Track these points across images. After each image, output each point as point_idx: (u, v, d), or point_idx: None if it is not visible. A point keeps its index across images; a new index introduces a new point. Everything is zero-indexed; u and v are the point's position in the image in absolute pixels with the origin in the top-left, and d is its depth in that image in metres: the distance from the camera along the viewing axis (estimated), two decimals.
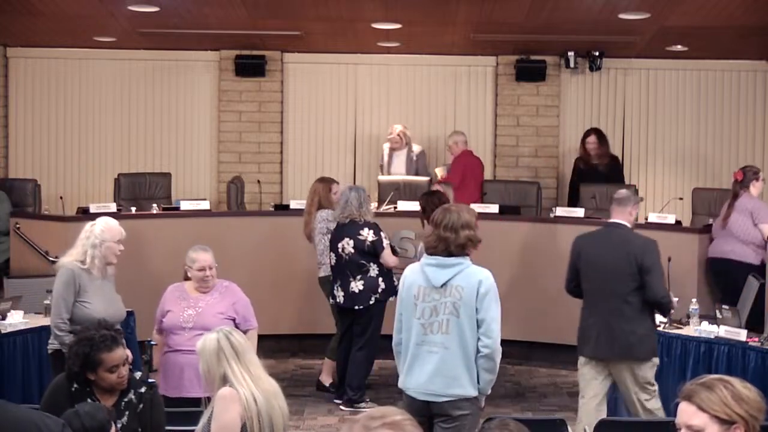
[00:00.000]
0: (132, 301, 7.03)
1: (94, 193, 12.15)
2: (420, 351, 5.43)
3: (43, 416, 3.47)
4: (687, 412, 2.97)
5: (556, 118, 12.34)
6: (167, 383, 6.30)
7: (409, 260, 9.09)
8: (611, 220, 6.97)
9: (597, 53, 11.94)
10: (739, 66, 12.32)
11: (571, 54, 11.90)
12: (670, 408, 7.04)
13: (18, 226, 9.88)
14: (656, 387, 6.84)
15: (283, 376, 9.05)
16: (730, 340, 7.35)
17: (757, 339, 7.32)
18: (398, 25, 10.53)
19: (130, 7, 9.66)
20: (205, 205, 10.29)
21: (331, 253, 8.44)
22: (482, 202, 10.65)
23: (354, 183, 11.67)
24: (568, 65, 12.05)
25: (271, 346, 9.13)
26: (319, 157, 12.48)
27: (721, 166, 12.42)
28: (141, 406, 4.87)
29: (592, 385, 6.91)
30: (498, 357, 5.38)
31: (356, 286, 8.30)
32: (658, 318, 7.32)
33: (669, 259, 8.00)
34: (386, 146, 11.72)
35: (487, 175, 12.15)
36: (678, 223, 9.78)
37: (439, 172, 11.21)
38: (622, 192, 7.06)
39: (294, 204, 10.07)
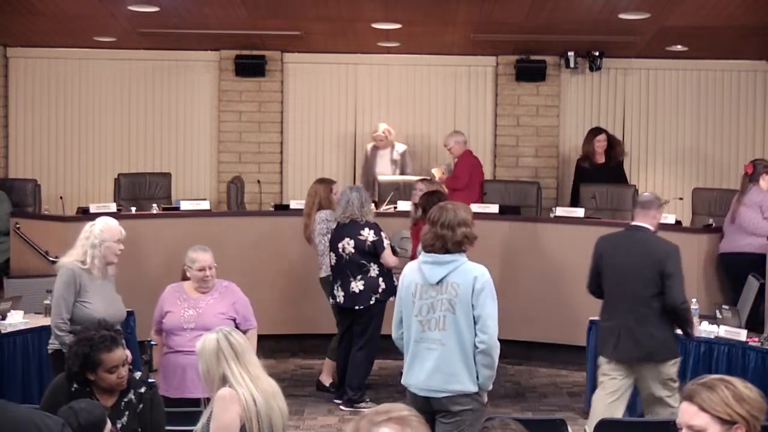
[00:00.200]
0: (132, 301, 7.03)
1: (94, 193, 12.15)
2: (419, 348, 5.48)
3: (43, 416, 3.47)
4: (688, 413, 2.97)
5: (556, 118, 12.33)
6: (168, 384, 6.29)
7: (409, 260, 9.12)
8: (635, 223, 6.96)
9: (597, 53, 11.94)
10: (739, 66, 12.32)
11: (571, 54, 11.90)
12: None
13: (18, 226, 9.88)
14: (678, 384, 6.83)
15: (283, 376, 9.05)
16: (730, 340, 7.36)
17: (757, 339, 7.32)
18: (398, 25, 10.53)
19: (130, 7, 9.65)
20: (205, 205, 10.29)
21: (331, 253, 8.44)
22: (482, 202, 10.64)
23: (354, 183, 11.67)
24: (568, 65, 12.04)
25: (271, 346, 9.12)
26: (319, 157, 12.48)
27: (721, 166, 12.42)
28: (141, 406, 4.87)
29: (611, 383, 6.95)
30: (495, 352, 5.40)
31: (357, 286, 8.30)
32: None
33: None
34: (369, 146, 11.69)
35: (487, 175, 12.15)
36: (678, 223, 9.78)
37: (437, 172, 11.11)
38: (647, 195, 7.08)
39: (294, 204, 10.07)
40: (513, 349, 9.56)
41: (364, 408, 8.27)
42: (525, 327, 9.67)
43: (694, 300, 7.92)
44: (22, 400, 6.88)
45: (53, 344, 6.23)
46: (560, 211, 10.13)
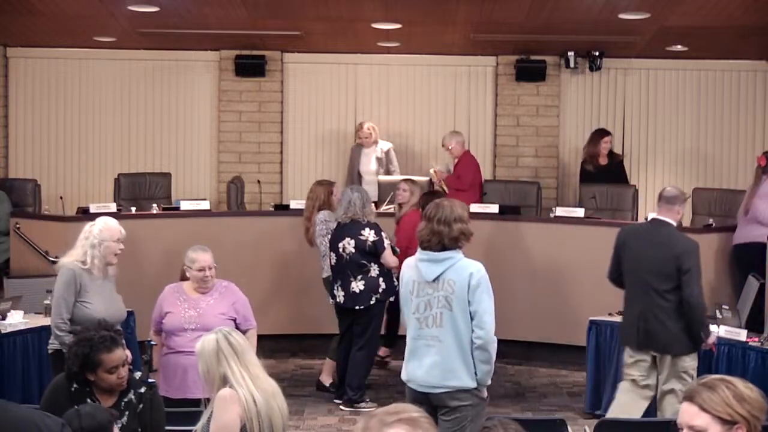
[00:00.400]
0: (132, 301, 7.03)
1: (94, 193, 12.14)
2: (417, 345, 5.54)
3: (43, 416, 3.47)
4: (689, 413, 2.97)
5: (556, 118, 12.33)
6: (169, 384, 6.29)
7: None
8: (657, 217, 7.06)
9: (597, 53, 11.94)
10: (739, 66, 12.32)
11: (571, 54, 11.90)
12: None
13: (18, 226, 9.88)
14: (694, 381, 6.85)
15: (283, 376, 9.05)
16: (730, 340, 7.35)
17: (757, 339, 7.32)
18: (398, 25, 10.53)
19: (130, 7, 9.65)
20: (205, 205, 10.29)
21: (332, 253, 8.44)
22: (482, 202, 10.64)
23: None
24: (568, 65, 12.04)
25: (271, 346, 9.12)
26: (320, 157, 12.48)
27: (721, 166, 12.42)
28: (141, 406, 4.87)
29: (634, 368, 7.11)
30: (492, 348, 5.44)
31: (357, 286, 8.30)
32: None
33: None
34: (353, 144, 11.62)
35: (487, 175, 12.16)
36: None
37: (436, 172, 11.06)
38: (671, 190, 7.14)
39: (294, 204, 10.07)
40: (513, 349, 9.57)
41: (364, 408, 8.27)
42: (525, 327, 9.67)
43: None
44: (22, 400, 6.88)
45: (53, 344, 6.23)
46: (560, 211, 10.13)
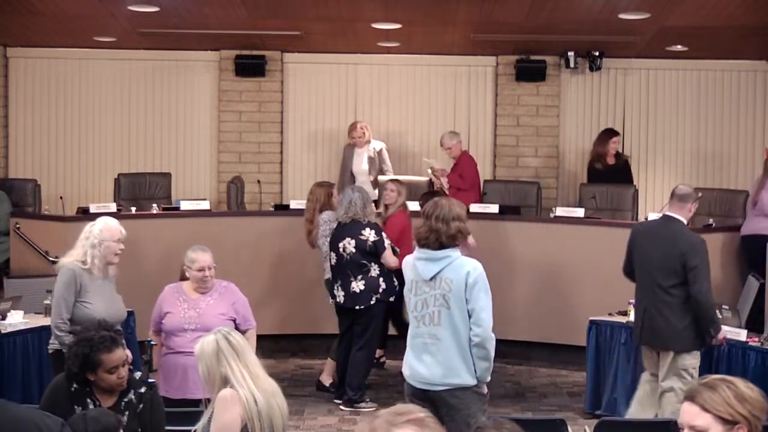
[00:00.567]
0: (132, 301, 7.03)
1: (94, 193, 12.14)
2: (416, 342, 5.58)
3: (43, 416, 3.48)
4: (690, 413, 2.97)
5: (556, 118, 12.33)
6: (169, 385, 6.28)
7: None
8: (668, 213, 7.13)
9: (597, 53, 11.94)
10: (739, 66, 12.32)
11: (571, 54, 11.89)
12: None
13: (18, 226, 9.88)
14: (695, 381, 6.87)
15: (283, 376, 9.05)
16: (730, 340, 7.35)
17: (757, 339, 7.32)
18: (398, 25, 10.53)
19: (130, 7, 9.65)
20: (205, 205, 10.29)
21: (332, 253, 8.43)
22: (482, 202, 10.64)
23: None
24: (568, 65, 12.04)
25: (271, 346, 9.13)
26: (319, 157, 12.47)
27: (721, 166, 12.42)
28: (141, 406, 4.87)
29: (648, 362, 7.25)
30: (490, 345, 5.46)
31: (357, 286, 8.29)
32: None
33: None
34: (345, 144, 11.52)
35: (487, 175, 12.16)
36: None
37: (435, 165, 10.98)
38: (684, 188, 7.20)
39: (294, 204, 10.07)
40: (513, 349, 9.57)
41: (363, 408, 8.27)
42: (525, 327, 9.68)
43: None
44: (22, 400, 6.88)
45: (53, 344, 6.22)
46: (560, 211, 10.13)
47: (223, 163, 12.41)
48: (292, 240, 9.71)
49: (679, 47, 11.50)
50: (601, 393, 8.17)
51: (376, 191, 10.82)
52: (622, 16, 9.68)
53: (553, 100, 12.29)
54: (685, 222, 7.06)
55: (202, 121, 12.50)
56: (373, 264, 8.30)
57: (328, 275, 8.72)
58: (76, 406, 4.74)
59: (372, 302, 8.30)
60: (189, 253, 6.43)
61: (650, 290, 7.07)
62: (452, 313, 5.44)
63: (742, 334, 7.36)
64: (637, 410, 7.20)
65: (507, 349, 9.10)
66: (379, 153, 11.31)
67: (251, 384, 4.50)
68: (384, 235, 8.36)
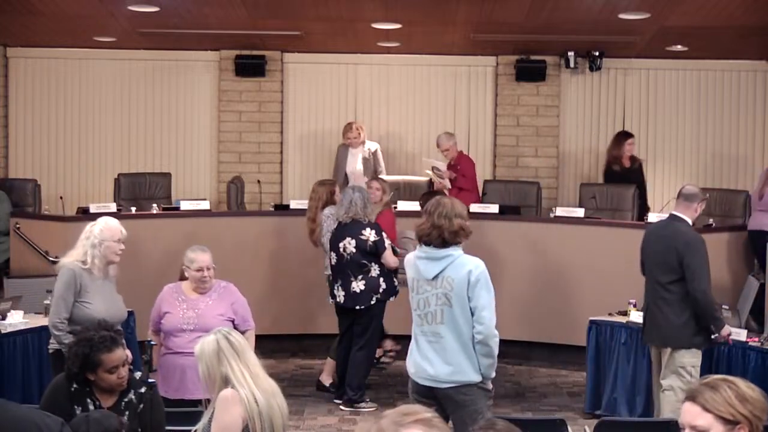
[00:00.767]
0: (132, 301, 7.03)
1: (94, 193, 12.14)
2: (420, 340, 5.62)
3: (43, 415, 3.47)
4: (691, 413, 2.97)
5: (556, 118, 12.33)
6: (168, 385, 6.27)
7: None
8: (674, 213, 7.21)
9: (597, 53, 11.94)
10: (739, 66, 12.32)
11: (571, 54, 11.89)
12: None
13: (18, 226, 9.88)
14: (695, 380, 6.88)
15: (283, 376, 9.05)
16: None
17: (757, 339, 7.32)
18: (398, 25, 10.53)
19: (130, 7, 9.65)
20: (205, 205, 10.29)
21: (332, 253, 8.43)
22: (482, 202, 10.63)
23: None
24: (568, 65, 12.04)
25: (271, 346, 9.14)
26: (319, 157, 12.46)
27: (721, 166, 12.42)
28: (141, 406, 4.86)
29: (656, 361, 7.29)
30: (493, 342, 5.49)
31: (357, 285, 8.29)
32: None
33: None
34: (339, 144, 11.47)
35: (487, 175, 12.16)
36: None
37: (435, 166, 10.91)
38: (691, 188, 7.29)
39: (294, 204, 10.07)
40: (513, 349, 9.56)
41: (364, 408, 8.27)
42: (525, 327, 9.68)
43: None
44: (22, 400, 6.88)
45: (53, 344, 6.22)
46: (560, 211, 10.13)
47: (223, 163, 12.41)
48: (292, 240, 9.71)
49: (679, 47, 11.50)
50: (601, 393, 8.18)
51: None
52: (622, 16, 9.68)
53: (553, 100, 12.29)
54: (690, 221, 7.10)
55: (202, 121, 12.50)
56: (373, 264, 8.30)
57: (329, 271, 8.71)
58: (76, 406, 4.74)
59: (372, 302, 8.29)
60: (188, 253, 6.43)
61: (652, 288, 7.15)
62: (454, 311, 5.47)
63: (742, 334, 7.36)
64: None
65: (507, 349, 9.08)
66: (374, 154, 11.27)
67: (252, 384, 4.50)
68: (384, 235, 8.36)
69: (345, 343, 8.51)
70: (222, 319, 6.24)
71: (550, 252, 9.76)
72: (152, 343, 6.43)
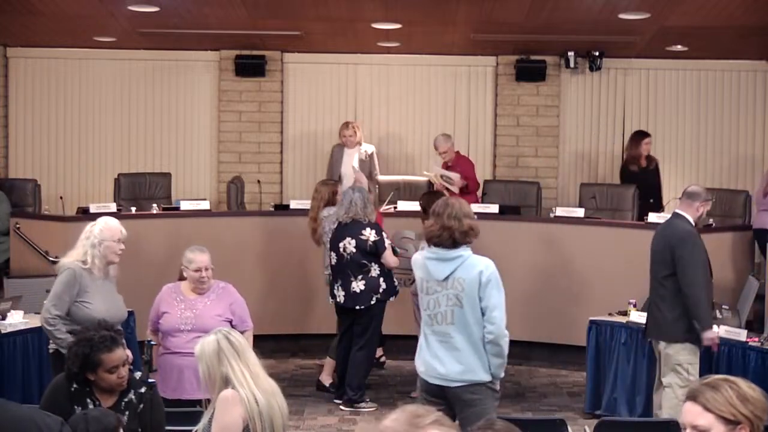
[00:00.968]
0: (132, 301, 7.03)
1: (94, 193, 12.14)
2: (430, 339, 5.63)
3: (43, 415, 3.48)
4: (692, 412, 2.97)
5: (556, 118, 12.33)
6: (165, 385, 6.27)
7: (410, 260, 9.10)
8: (676, 210, 7.27)
9: (597, 53, 11.93)
10: (739, 66, 12.32)
11: (571, 54, 11.89)
12: None
13: (18, 226, 9.88)
14: (694, 379, 6.92)
15: (283, 376, 9.05)
16: (730, 340, 7.35)
17: (757, 339, 7.32)
18: (398, 25, 10.52)
19: (130, 7, 9.65)
20: (205, 205, 10.29)
21: (332, 253, 8.43)
22: (482, 202, 10.62)
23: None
24: (568, 65, 12.04)
25: (271, 346, 9.13)
26: (319, 157, 12.45)
27: (720, 166, 12.42)
28: (141, 406, 4.86)
29: (658, 357, 7.33)
30: (504, 341, 5.53)
31: (357, 285, 8.29)
32: None
33: None
34: (334, 144, 11.40)
35: (487, 175, 12.16)
36: None
37: (445, 174, 10.88)
38: (695, 187, 7.37)
39: (294, 204, 10.07)
40: (513, 349, 9.38)
41: (364, 408, 8.27)
42: (525, 327, 9.66)
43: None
44: (22, 400, 6.88)
45: (53, 344, 6.21)
46: (560, 211, 10.13)
47: (223, 163, 12.41)
48: (292, 240, 9.71)
49: (679, 47, 11.50)
50: (601, 393, 8.18)
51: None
52: (622, 16, 9.68)
53: (553, 100, 12.29)
54: (692, 220, 7.13)
55: (202, 121, 12.50)
56: (373, 264, 8.30)
57: (329, 272, 8.70)
58: (76, 406, 4.74)
59: (372, 302, 8.29)
60: (187, 254, 6.44)
61: (652, 284, 7.23)
62: (465, 311, 5.50)
63: (742, 334, 7.36)
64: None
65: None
66: (370, 156, 11.21)
67: (252, 384, 4.50)
68: (384, 235, 8.36)
69: (345, 343, 8.51)
70: (220, 320, 6.24)
71: (550, 252, 9.75)
72: (152, 343, 6.43)
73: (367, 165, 11.07)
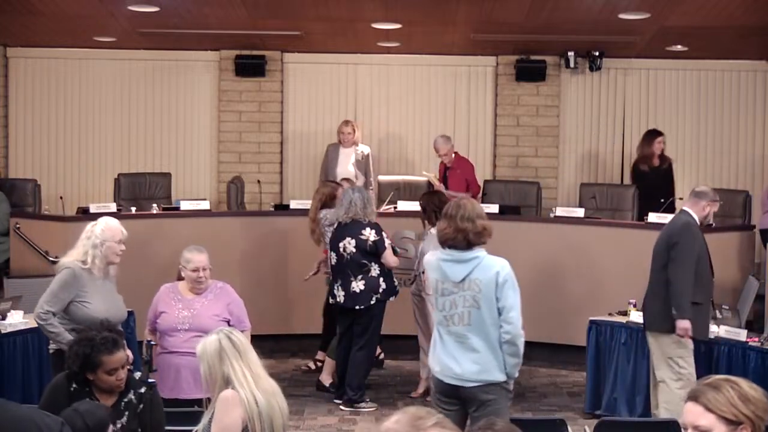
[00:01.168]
0: (132, 301, 7.03)
1: (94, 193, 12.15)
2: (446, 339, 5.63)
3: (43, 415, 3.47)
4: (694, 413, 2.97)
5: (556, 118, 12.33)
6: (163, 384, 6.24)
7: (410, 260, 9.12)
8: (683, 208, 7.36)
9: (597, 53, 11.94)
10: (739, 66, 12.32)
11: (571, 54, 11.90)
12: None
13: (18, 226, 9.89)
14: (687, 372, 6.96)
15: (283, 376, 9.05)
16: (730, 340, 7.36)
17: (757, 339, 7.32)
18: (398, 25, 10.53)
19: (130, 7, 9.65)
20: (205, 205, 10.29)
21: (332, 253, 8.43)
22: (482, 202, 10.60)
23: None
24: (568, 65, 12.04)
25: (271, 346, 9.13)
26: (319, 157, 12.43)
27: (720, 166, 12.43)
28: (141, 406, 4.86)
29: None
30: (520, 342, 5.59)
31: (357, 285, 8.29)
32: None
33: None
34: (331, 144, 11.40)
35: (487, 175, 12.16)
36: None
37: (432, 175, 10.87)
38: (703, 187, 7.49)
39: (294, 204, 10.07)
40: None
41: (364, 408, 8.27)
42: (525, 327, 9.65)
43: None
44: (22, 400, 6.88)
45: (54, 344, 6.21)
46: (560, 211, 10.13)
47: (223, 163, 12.41)
48: (291, 240, 9.70)
49: (679, 47, 11.50)
50: (601, 393, 8.17)
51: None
52: (622, 16, 9.68)
53: (553, 100, 12.29)
54: (696, 217, 7.19)
55: (202, 121, 12.50)
56: (373, 264, 8.30)
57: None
58: (73, 406, 4.73)
59: (372, 302, 8.29)
60: (185, 253, 6.44)
61: (650, 277, 7.33)
62: (482, 312, 5.52)
63: (742, 334, 7.36)
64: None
65: None
66: (366, 157, 11.20)
67: (252, 384, 4.50)
68: (384, 234, 8.36)
69: (345, 343, 8.51)
70: (217, 320, 6.24)
71: (550, 252, 9.75)
72: (152, 343, 6.43)
73: (363, 166, 11.08)
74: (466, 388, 5.55)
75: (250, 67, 12.21)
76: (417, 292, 8.71)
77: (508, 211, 10.14)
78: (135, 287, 7.60)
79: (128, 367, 4.95)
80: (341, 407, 8.38)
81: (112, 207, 9.89)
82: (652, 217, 9.54)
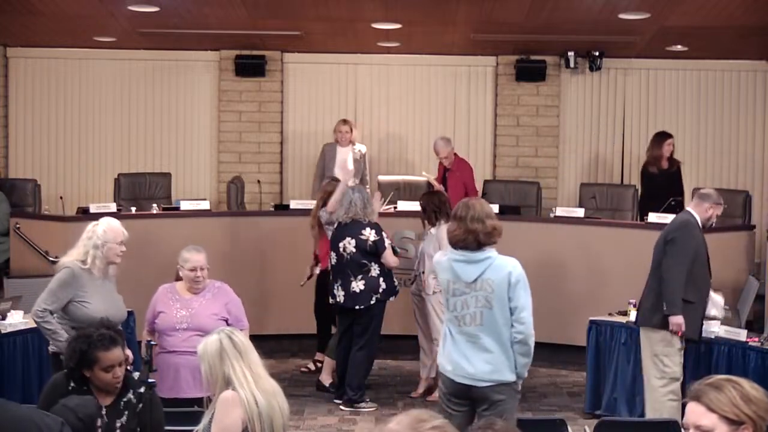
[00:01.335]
0: (132, 301, 7.03)
1: (94, 193, 12.15)
2: (457, 339, 5.64)
3: (43, 415, 3.47)
4: (696, 413, 2.97)
5: (556, 118, 12.33)
6: (162, 384, 6.24)
7: (410, 260, 9.12)
8: (687, 208, 7.43)
9: (597, 53, 11.94)
10: (739, 66, 12.32)
11: (571, 54, 11.90)
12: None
13: (18, 226, 9.89)
14: (670, 371, 6.97)
15: (283, 376, 9.04)
16: (730, 340, 7.36)
17: (757, 339, 7.32)
18: (398, 25, 10.53)
19: (130, 7, 9.65)
20: (205, 205, 10.29)
21: (332, 253, 8.43)
22: None
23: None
24: (568, 65, 12.04)
25: (271, 346, 9.12)
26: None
27: (720, 166, 12.42)
28: (140, 405, 4.86)
29: None
30: (531, 341, 5.58)
31: (357, 285, 8.29)
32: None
33: None
34: (327, 143, 11.36)
35: (487, 175, 12.16)
36: None
37: (431, 176, 10.83)
38: (708, 190, 7.54)
39: (294, 204, 10.07)
40: None
41: (364, 408, 8.27)
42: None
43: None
44: (22, 400, 6.87)
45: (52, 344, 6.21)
46: (560, 211, 10.13)
47: (223, 163, 12.41)
48: (292, 240, 9.70)
49: (679, 47, 11.50)
50: (601, 393, 8.18)
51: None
52: (622, 16, 9.68)
53: (553, 100, 12.29)
54: (699, 218, 7.21)
55: (202, 121, 12.50)
56: (373, 264, 8.30)
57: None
58: (61, 402, 4.72)
59: (372, 302, 8.29)
60: (183, 253, 6.44)
61: (649, 275, 7.34)
62: (494, 312, 5.53)
63: (742, 334, 7.37)
64: None
65: None
66: (363, 156, 11.19)
67: (253, 384, 4.50)
68: (384, 234, 8.36)
69: (345, 343, 8.51)
70: (216, 319, 6.24)
71: (550, 252, 9.75)
72: (152, 343, 6.43)
73: (360, 165, 11.07)
74: (478, 387, 5.57)
75: (250, 67, 12.21)
76: (417, 292, 8.72)
77: (509, 211, 10.13)
78: (135, 287, 7.60)
79: (127, 366, 4.95)
80: (341, 407, 8.38)
81: (112, 207, 9.89)
82: (653, 217, 9.54)
